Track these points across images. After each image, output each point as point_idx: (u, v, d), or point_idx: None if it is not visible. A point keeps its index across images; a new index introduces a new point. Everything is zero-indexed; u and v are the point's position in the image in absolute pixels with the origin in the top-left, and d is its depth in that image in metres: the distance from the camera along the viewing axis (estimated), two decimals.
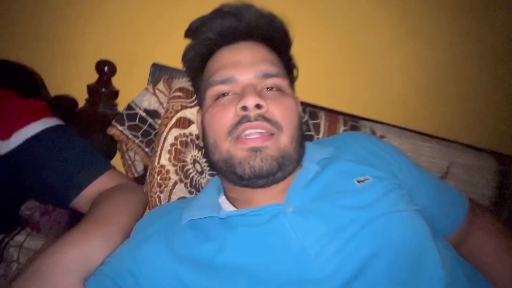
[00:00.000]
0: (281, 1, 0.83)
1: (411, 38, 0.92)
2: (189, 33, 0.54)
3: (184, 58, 0.56)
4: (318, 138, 0.71)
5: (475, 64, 0.98)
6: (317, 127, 0.72)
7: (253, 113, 0.44)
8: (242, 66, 0.47)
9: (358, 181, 0.44)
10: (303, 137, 0.49)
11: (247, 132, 0.44)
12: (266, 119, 0.44)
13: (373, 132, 0.75)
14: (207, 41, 0.52)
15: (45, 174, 0.55)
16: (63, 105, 0.74)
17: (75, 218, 0.56)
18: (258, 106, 0.44)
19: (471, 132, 1.00)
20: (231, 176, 0.46)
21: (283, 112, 0.45)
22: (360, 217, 0.40)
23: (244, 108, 0.44)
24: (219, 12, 0.51)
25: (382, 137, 0.75)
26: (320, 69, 0.91)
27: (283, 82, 0.49)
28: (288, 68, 0.56)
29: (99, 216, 0.47)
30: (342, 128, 0.73)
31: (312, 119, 0.72)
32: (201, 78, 0.55)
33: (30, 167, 0.54)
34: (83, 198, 0.55)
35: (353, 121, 0.75)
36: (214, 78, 0.49)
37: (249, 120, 0.44)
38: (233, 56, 0.49)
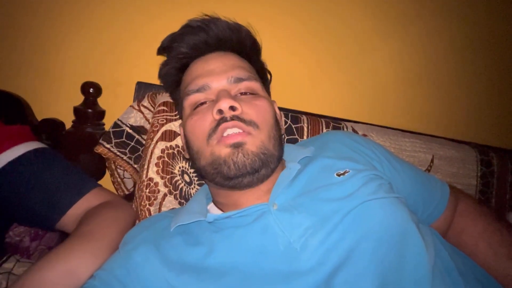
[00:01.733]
0: (264, 16, 0.88)
1: (388, 41, 0.97)
2: (161, 50, 0.57)
3: (160, 74, 0.59)
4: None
5: (449, 61, 1.03)
6: (300, 131, 0.74)
7: (228, 114, 0.46)
8: (215, 74, 0.50)
9: (338, 175, 0.46)
10: (281, 136, 0.51)
11: (225, 133, 0.46)
12: (242, 120, 0.46)
13: (355, 131, 0.78)
14: (180, 55, 0.55)
15: (28, 197, 0.54)
16: (50, 128, 0.75)
17: None
18: (232, 108, 0.46)
19: (451, 126, 1.04)
20: (218, 177, 0.47)
21: (257, 112, 0.47)
22: (341, 208, 0.41)
23: (220, 111, 0.46)
24: (188, 28, 0.54)
25: (364, 135, 0.78)
26: (302, 77, 0.94)
27: (255, 85, 0.51)
28: (261, 73, 0.59)
29: (85, 232, 0.47)
30: (324, 130, 0.75)
31: (295, 123, 0.75)
32: (178, 91, 0.57)
33: (13, 191, 0.54)
34: (69, 219, 0.55)
35: (335, 123, 0.78)
36: (189, 88, 0.51)
37: (226, 121, 0.45)
38: (205, 66, 0.52)
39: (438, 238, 0.49)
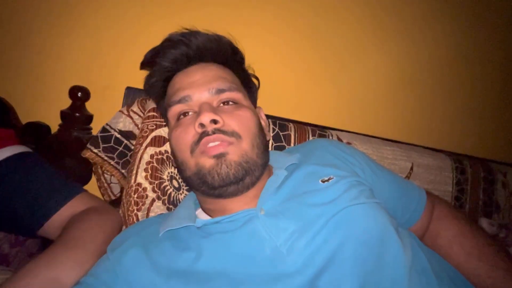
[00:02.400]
0: (253, 23, 0.90)
1: (372, 54, 1.02)
2: (144, 64, 0.58)
3: (145, 87, 0.60)
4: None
5: (429, 74, 1.09)
6: (288, 138, 0.77)
7: (210, 128, 0.47)
8: (196, 86, 0.51)
9: (323, 181, 0.48)
10: (266, 144, 0.53)
11: (208, 146, 0.47)
12: (223, 132, 0.47)
13: (340, 140, 0.81)
14: (162, 69, 0.56)
15: (10, 201, 0.53)
16: (35, 132, 0.74)
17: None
18: (214, 121, 0.47)
19: (429, 135, 1.10)
20: (204, 187, 0.48)
21: (239, 123, 0.49)
22: (325, 212, 0.43)
23: (202, 125, 0.47)
24: (169, 42, 0.55)
25: (348, 143, 0.81)
26: (289, 86, 0.97)
27: (237, 95, 0.52)
28: (245, 81, 0.60)
29: (70, 239, 0.47)
30: (311, 137, 0.78)
31: (282, 131, 0.77)
32: (164, 102, 0.58)
33: None
34: (52, 225, 0.54)
35: (321, 131, 0.80)
36: (171, 99, 0.53)
37: (208, 135, 0.47)
38: (187, 79, 0.53)
39: (416, 240, 0.52)
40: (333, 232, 0.42)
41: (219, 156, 0.46)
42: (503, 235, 0.87)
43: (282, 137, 0.76)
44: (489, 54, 1.14)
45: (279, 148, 0.75)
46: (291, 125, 0.79)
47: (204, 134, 0.47)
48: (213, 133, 0.47)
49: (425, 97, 1.10)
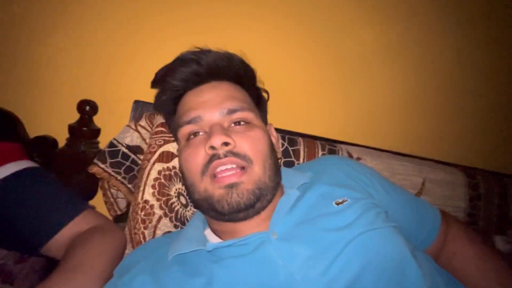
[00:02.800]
0: (262, 37, 0.90)
1: (380, 65, 1.01)
2: (155, 83, 0.57)
3: (155, 105, 0.60)
4: (298, 164, 0.74)
5: (440, 86, 1.07)
6: (297, 153, 0.75)
7: (221, 150, 0.46)
8: (207, 106, 0.50)
9: (337, 203, 0.47)
10: (277, 164, 0.52)
11: (219, 169, 0.46)
12: (235, 154, 0.46)
13: (350, 155, 0.79)
14: (173, 88, 0.55)
15: (13, 218, 0.52)
16: (42, 146, 0.74)
17: (54, 265, 0.54)
18: (225, 144, 0.46)
19: (440, 148, 1.07)
20: (212, 213, 0.47)
21: (251, 145, 0.48)
22: (341, 238, 0.42)
23: (213, 147, 0.46)
24: (180, 60, 0.54)
25: (358, 159, 0.79)
26: (299, 98, 0.96)
27: (249, 115, 0.51)
28: (257, 98, 0.59)
29: (74, 265, 0.46)
30: (320, 153, 0.77)
31: (292, 146, 0.76)
32: (174, 120, 0.57)
33: None
34: (55, 244, 0.53)
35: (330, 145, 0.79)
36: (182, 120, 0.52)
37: (219, 158, 0.46)
38: (197, 98, 0.52)
39: (433, 265, 0.50)
40: (351, 260, 0.40)
41: (231, 186, 0.45)
42: None
43: (291, 152, 0.75)
44: (500, 67, 1.12)
45: (289, 164, 0.74)
46: (300, 139, 0.77)
47: (214, 157, 0.46)
48: (225, 156, 0.46)
49: (435, 109, 1.08)
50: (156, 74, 0.57)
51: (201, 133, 0.50)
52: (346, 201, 0.47)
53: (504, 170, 1.04)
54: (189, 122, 0.50)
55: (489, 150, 1.13)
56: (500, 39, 1.11)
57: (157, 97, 0.58)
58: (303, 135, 0.83)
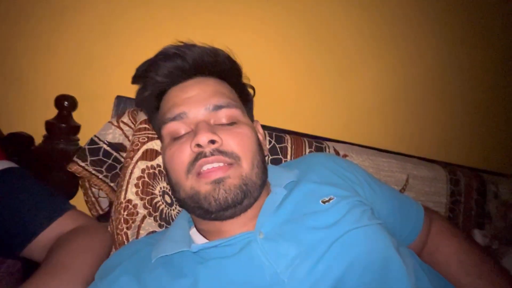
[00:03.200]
0: (249, 33, 0.89)
1: (366, 63, 1.02)
2: (136, 78, 0.55)
3: (137, 101, 0.57)
4: (285, 161, 0.74)
5: (422, 84, 1.10)
6: (284, 151, 0.75)
7: (208, 149, 0.45)
8: (192, 102, 0.49)
9: (323, 201, 0.46)
10: (264, 161, 0.51)
11: (205, 167, 0.44)
12: (222, 152, 0.45)
13: (336, 152, 0.80)
14: (156, 83, 0.53)
15: None
16: (17, 143, 0.70)
17: (31, 267, 0.51)
18: (212, 142, 0.45)
19: (423, 145, 1.10)
20: (199, 211, 0.46)
21: (237, 142, 0.46)
22: (327, 236, 0.42)
23: (199, 145, 0.45)
24: (164, 55, 0.52)
25: (345, 156, 0.80)
26: (285, 95, 0.96)
27: (235, 112, 0.50)
28: (243, 94, 0.58)
29: (56, 264, 0.44)
30: (307, 150, 0.77)
31: (279, 143, 0.75)
32: (157, 117, 0.55)
33: None
34: (36, 246, 0.50)
35: (318, 143, 0.79)
36: (166, 116, 0.50)
37: (205, 156, 0.44)
38: (182, 94, 0.50)
39: (417, 260, 0.51)
40: (337, 258, 0.40)
41: (218, 182, 0.43)
42: (495, 246, 0.88)
43: (278, 150, 0.74)
44: (479, 65, 1.16)
45: (276, 161, 0.73)
46: (287, 137, 0.77)
47: (201, 155, 0.44)
48: (211, 154, 0.44)
49: (419, 108, 1.11)
50: (138, 69, 0.54)
51: (184, 131, 0.48)
52: (332, 199, 0.47)
53: (482, 166, 1.08)
54: (173, 119, 0.48)
55: (469, 147, 1.18)
56: (482, 40, 1.15)
57: (139, 93, 0.56)
58: (290, 132, 0.82)
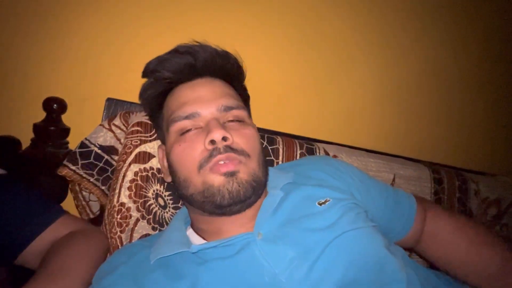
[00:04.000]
0: (239, 32, 0.89)
1: (354, 65, 1.04)
2: (146, 73, 0.55)
3: (142, 96, 0.57)
4: (278, 163, 0.75)
5: (407, 84, 1.13)
6: (276, 152, 0.76)
7: (221, 145, 0.46)
8: (204, 101, 0.50)
9: (319, 204, 0.48)
10: (266, 161, 0.52)
11: (221, 162, 0.45)
12: (233, 150, 0.46)
13: (326, 153, 0.82)
14: (165, 80, 0.53)
15: None
16: (4, 147, 0.68)
17: (21, 276, 0.50)
18: (224, 139, 0.46)
19: (408, 145, 1.14)
20: (209, 206, 0.46)
21: (246, 141, 0.48)
22: (324, 238, 0.43)
23: (213, 141, 0.46)
24: (176, 52, 0.53)
25: (335, 156, 0.82)
26: (274, 97, 0.97)
27: (243, 113, 0.52)
28: (245, 98, 0.60)
29: (54, 269, 0.43)
30: (299, 151, 0.78)
31: (271, 145, 0.76)
32: (161, 115, 0.56)
33: None
34: (30, 253, 0.50)
35: (308, 144, 0.81)
36: (177, 114, 0.50)
37: (219, 152, 0.45)
38: (193, 93, 0.51)
39: (404, 257, 0.53)
40: (334, 260, 0.41)
41: (231, 174, 0.44)
42: None
43: (270, 151, 0.76)
44: (464, 66, 1.21)
45: (269, 163, 0.74)
46: (279, 138, 0.78)
47: (215, 152, 0.45)
48: (225, 151, 0.45)
49: (405, 109, 1.15)
50: (148, 64, 0.54)
51: (193, 128, 0.49)
52: (328, 201, 0.48)
53: (463, 165, 1.13)
54: (186, 118, 0.49)
55: (452, 147, 1.23)
56: (466, 41, 1.20)
57: (145, 88, 0.56)
58: (281, 134, 0.84)
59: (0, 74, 0.74)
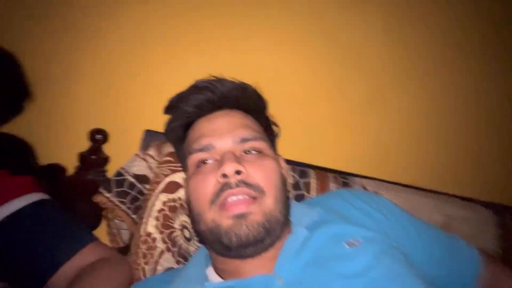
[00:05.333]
0: (272, 66, 0.91)
1: (393, 92, 0.98)
2: (168, 109, 0.58)
3: (166, 131, 0.59)
4: (308, 197, 0.70)
5: (459, 115, 1.03)
6: (307, 186, 0.72)
7: (233, 179, 0.44)
8: (219, 134, 0.49)
9: (349, 244, 0.43)
10: (287, 197, 0.49)
11: (230, 199, 0.44)
12: (247, 184, 0.44)
13: (365, 189, 0.75)
14: (185, 114, 0.55)
15: (20, 252, 0.52)
16: (51, 174, 0.74)
17: None
18: (237, 172, 0.44)
19: (462, 182, 1.01)
20: (218, 246, 0.44)
21: (263, 175, 0.46)
22: (355, 286, 0.38)
23: (225, 175, 0.44)
24: (195, 88, 0.55)
25: (374, 193, 0.75)
26: (310, 128, 0.95)
27: (261, 144, 0.50)
28: (268, 129, 0.58)
29: None
30: (333, 186, 0.73)
31: (302, 178, 0.73)
32: (183, 147, 0.57)
33: (6, 245, 0.52)
34: (60, 276, 0.51)
35: (344, 178, 0.75)
36: (193, 147, 0.50)
37: (231, 187, 0.44)
38: (210, 125, 0.52)
39: None
40: None
41: (240, 216, 0.42)
42: None
43: (301, 185, 0.72)
44: None
45: (298, 198, 0.70)
46: (311, 171, 0.74)
47: (226, 187, 0.44)
48: (237, 185, 0.44)
49: (453, 141, 1.04)
50: (170, 100, 0.57)
51: (210, 161, 0.49)
52: (359, 242, 0.43)
53: None
54: (200, 150, 0.49)
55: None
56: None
57: (168, 123, 0.58)
58: (314, 167, 0.80)
59: (50, 111, 0.83)
